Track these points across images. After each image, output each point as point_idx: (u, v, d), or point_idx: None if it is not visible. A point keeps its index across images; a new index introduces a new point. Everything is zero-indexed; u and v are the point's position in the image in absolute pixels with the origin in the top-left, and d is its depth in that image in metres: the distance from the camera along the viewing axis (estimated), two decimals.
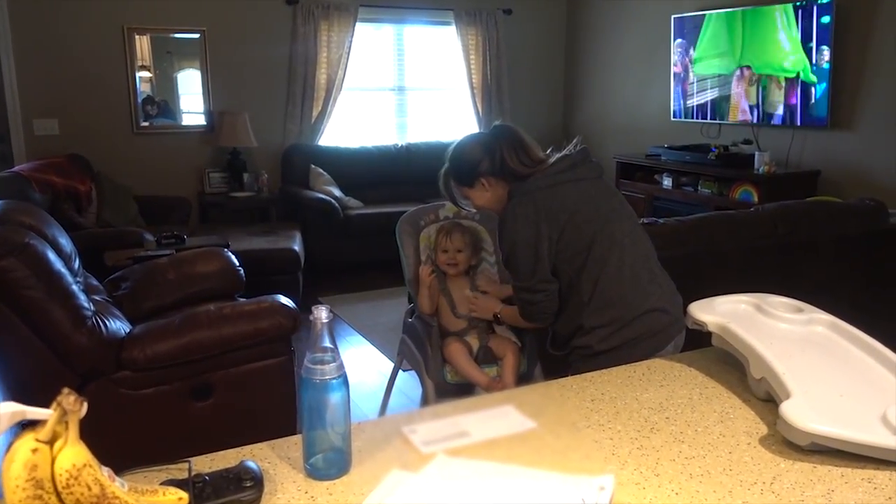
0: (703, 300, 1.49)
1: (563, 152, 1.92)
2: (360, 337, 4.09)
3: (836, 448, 1.06)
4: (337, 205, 5.29)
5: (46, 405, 0.65)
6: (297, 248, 4.40)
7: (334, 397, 1.02)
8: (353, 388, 1.06)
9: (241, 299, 2.93)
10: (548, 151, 1.95)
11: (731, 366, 1.40)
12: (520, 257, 1.84)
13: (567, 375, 1.42)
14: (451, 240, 2.44)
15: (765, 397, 1.26)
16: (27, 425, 0.64)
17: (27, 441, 0.63)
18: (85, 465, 0.64)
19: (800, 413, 1.09)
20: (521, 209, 1.83)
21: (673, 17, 5.48)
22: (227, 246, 3.62)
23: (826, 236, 3.00)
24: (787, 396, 1.14)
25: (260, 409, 2.48)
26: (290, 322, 2.44)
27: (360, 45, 6.07)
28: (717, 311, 1.43)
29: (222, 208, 5.36)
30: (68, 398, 0.64)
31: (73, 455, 0.64)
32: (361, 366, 3.73)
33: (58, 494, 0.62)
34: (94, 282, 2.83)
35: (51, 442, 0.64)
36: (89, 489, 0.63)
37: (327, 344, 1.02)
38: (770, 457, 1.09)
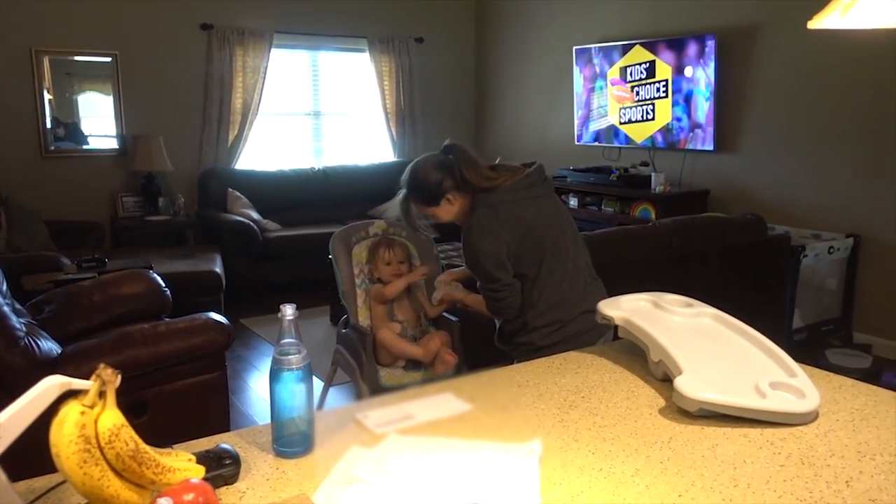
0: (610, 298, 1.71)
1: (522, 174, 2.09)
2: None
3: (719, 412, 1.29)
4: (256, 227, 5.34)
5: None
6: (218, 270, 4.44)
7: (299, 385, 1.16)
8: None
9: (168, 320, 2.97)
10: (497, 161, 2.14)
11: (634, 355, 1.62)
12: (483, 263, 2.03)
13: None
14: (394, 252, 2.63)
15: (662, 378, 1.48)
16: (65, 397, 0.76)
17: (75, 406, 0.75)
18: (122, 426, 0.76)
19: (690, 385, 1.31)
20: (485, 220, 2.02)
21: (574, 48, 5.87)
22: (151, 268, 3.63)
23: (714, 247, 3.34)
24: (680, 373, 1.36)
25: (195, 423, 2.54)
26: (225, 338, 2.53)
27: (276, 71, 6.16)
28: (621, 308, 1.65)
29: (137, 232, 5.31)
30: (106, 371, 0.76)
31: (113, 417, 0.76)
32: None
33: (101, 449, 0.74)
34: (17, 305, 2.81)
35: (91, 407, 0.75)
36: (127, 444, 0.76)
37: (293, 338, 1.16)
38: (667, 423, 1.30)
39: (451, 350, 2.54)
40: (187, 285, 4.10)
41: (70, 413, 0.74)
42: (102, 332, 2.78)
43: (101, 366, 0.77)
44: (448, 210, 2.11)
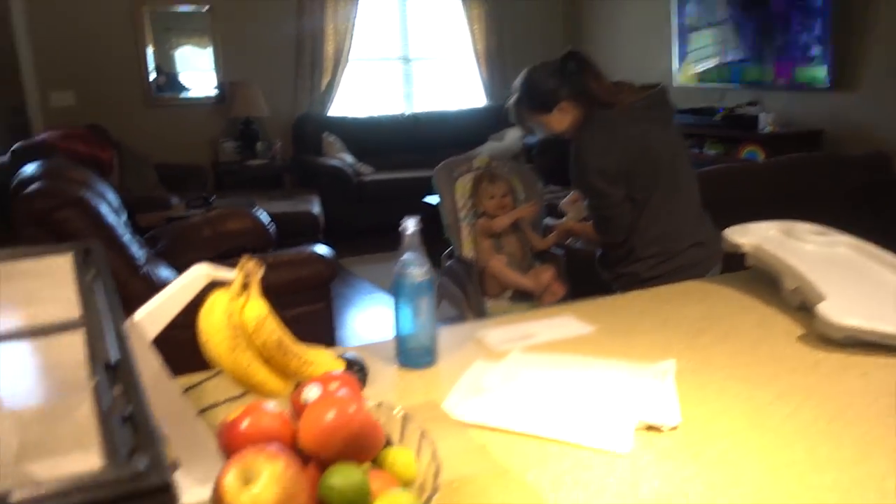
0: (736, 226, 1.61)
1: (644, 94, 1.97)
2: (383, 294, 4.22)
3: (867, 339, 1.19)
4: (350, 171, 5.39)
5: None
6: (316, 211, 4.52)
7: (423, 297, 1.14)
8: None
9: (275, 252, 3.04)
10: (616, 80, 2.02)
11: (763, 284, 1.52)
12: (593, 180, 1.92)
13: None
14: (497, 186, 2.59)
15: (798, 306, 1.38)
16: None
17: (222, 295, 0.75)
18: (267, 315, 0.76)
19: (835, 311, 1.22)
20: (599, 135, 1.91)
21: None
22: (255, 206, 3.73)
23: (831, 188, 3.12)
24: (821, 299, 1.27)
25: None
26: (329, 270, 2.57)
27: (366, 16, 6.13)
28: (752, 234, 1.55)
29: (237, 176, 5.46)
30: (249, 263, 0.76)
31: (259, 307, 0.76)
32: (387, 322, 3.86)
33: (247, 338, 0.75)
34: (136, 238, 2.94)
35: (237, 297, 0.76)
36: (272, 334, 0.76)
37: (416, 252, 1.14)
38: (809, 349, 1.22)
39: (559, 282, 2.50)
40: (288, 225, 4.18)
41: (218, 301, 0.75)
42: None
43: (245, 257, 0.77)
44: (560, 120, 1.99)
